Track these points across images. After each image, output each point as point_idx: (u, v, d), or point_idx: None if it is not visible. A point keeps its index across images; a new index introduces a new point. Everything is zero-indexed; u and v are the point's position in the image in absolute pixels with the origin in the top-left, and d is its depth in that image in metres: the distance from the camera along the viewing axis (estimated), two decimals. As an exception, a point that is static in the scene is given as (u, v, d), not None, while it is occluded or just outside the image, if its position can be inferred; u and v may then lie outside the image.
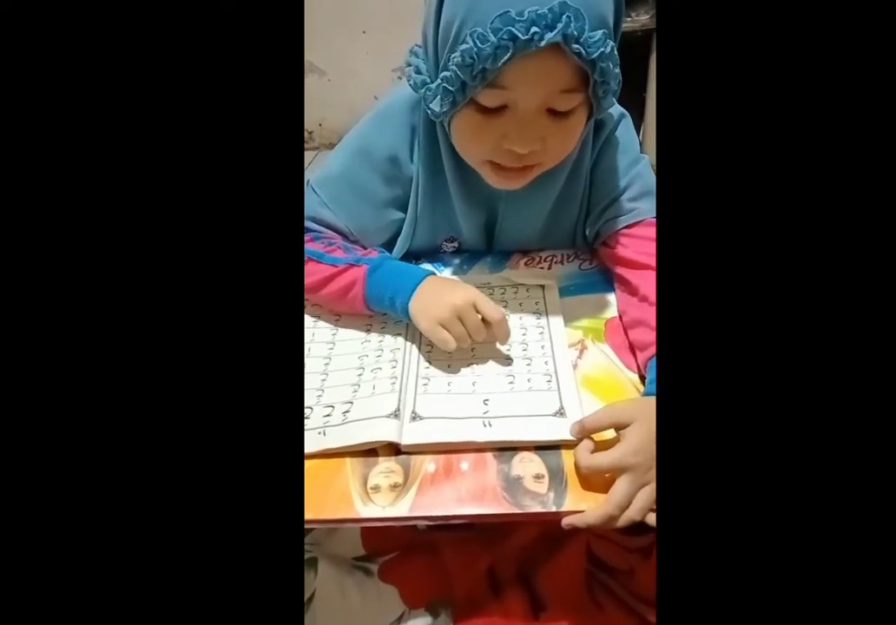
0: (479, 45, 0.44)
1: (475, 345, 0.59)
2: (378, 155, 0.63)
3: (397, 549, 0.66)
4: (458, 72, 0.47)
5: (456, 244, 0.71)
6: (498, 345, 0.59)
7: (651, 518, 0.44)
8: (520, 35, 0.43)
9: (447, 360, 0.58)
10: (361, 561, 0.65)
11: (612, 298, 0.65)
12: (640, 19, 1.53)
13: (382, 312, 0.61)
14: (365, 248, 0.66)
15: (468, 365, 0.57)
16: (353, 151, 0.64)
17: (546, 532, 0.64)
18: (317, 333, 0.63)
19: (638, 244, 0.62)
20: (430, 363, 0.58)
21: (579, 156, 0.62)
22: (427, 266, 0.71)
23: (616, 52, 0.47)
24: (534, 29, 0.43)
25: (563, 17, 0.43)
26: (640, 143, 0.68)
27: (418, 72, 0.53)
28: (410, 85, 0.54)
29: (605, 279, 0.68)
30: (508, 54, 0.44)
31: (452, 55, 0.47)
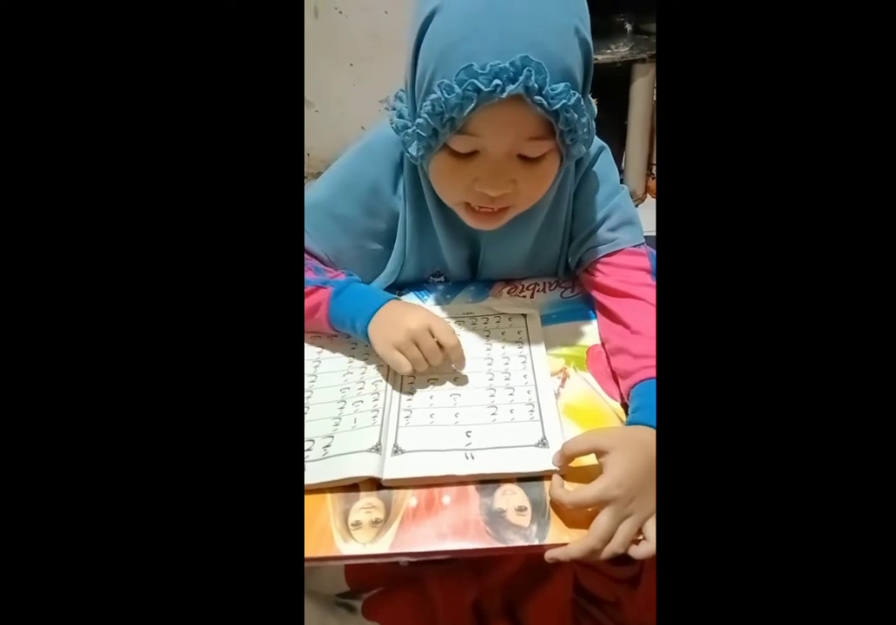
0: (446, 95, 0.47)
1: (457, 375, 0.59)
2: (361, 186, 0.64)
3: (381, 584, 0.65)
4: (430, 120, 0.49)
5: (442, 279, 0.73)
6: (465, 371, 0.60)
7: (634, 550, 0.44)
8: (483, 87, 0.45)
9: (429, 391, 0.58)
10: (345, 598, 0.64)
11: (593, 325, 0.66)
12: (620, 51, 1.57)
13: (346, 334, 0.63)
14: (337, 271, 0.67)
15: (451, 396, 0.57)
16: (337, 182, 0.66)
17: (532, 563, 0.63)
18: (299, 364, 0.63)
19: (618, 273, 0.64)
20: (412, 395, 0.58)
21: (559, 191, 0.63)
22: (411, 295, 0.72)
23: (582, 102, 0.49)
24: (496, 81, 0.45)
25: (525, 70, 0.45)
26: (622, 171, 0.70)
27: (400, 116, 0.55)
28: (393, 128, 0.56)
29: (587, 307, 0.68)
30: (473, 104, 0.46)
31: (424, 104, 0.49)
